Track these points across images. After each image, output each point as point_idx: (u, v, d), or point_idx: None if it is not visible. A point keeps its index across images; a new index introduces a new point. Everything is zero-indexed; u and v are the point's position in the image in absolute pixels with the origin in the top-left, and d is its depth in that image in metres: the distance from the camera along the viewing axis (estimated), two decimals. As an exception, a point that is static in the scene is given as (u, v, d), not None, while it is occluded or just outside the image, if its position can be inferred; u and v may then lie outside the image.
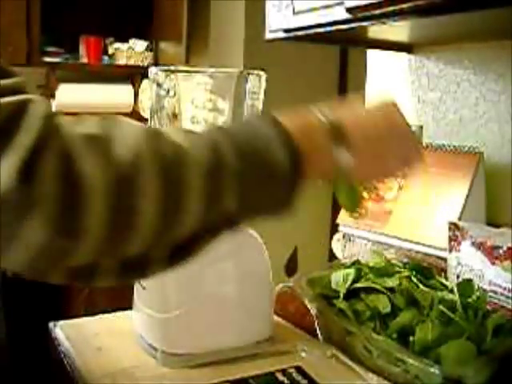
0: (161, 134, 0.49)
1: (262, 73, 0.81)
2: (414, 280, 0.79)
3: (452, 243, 0.88)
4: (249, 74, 0.81)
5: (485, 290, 0.80)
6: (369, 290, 0.80)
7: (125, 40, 2.68)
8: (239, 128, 0.53)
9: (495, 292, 0.80)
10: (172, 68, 0.83)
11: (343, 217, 1.12)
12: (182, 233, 0.49)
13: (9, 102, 0.42)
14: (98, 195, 0.42)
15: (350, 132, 0.56)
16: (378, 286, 0.79)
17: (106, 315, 0.92)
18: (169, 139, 0.48)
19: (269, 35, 1.07)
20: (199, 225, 0.49)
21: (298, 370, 0.74)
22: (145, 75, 0.87)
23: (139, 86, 2.60)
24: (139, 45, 2.71)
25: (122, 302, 0.92)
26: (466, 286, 0.79)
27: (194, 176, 0.47)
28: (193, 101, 0.80)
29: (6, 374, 0.72)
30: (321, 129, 0.55)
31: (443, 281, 0.83)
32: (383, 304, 0.76)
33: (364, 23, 0.86)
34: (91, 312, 0.94)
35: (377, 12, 0.81)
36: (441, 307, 0.73)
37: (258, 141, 0.51)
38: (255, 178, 0.50)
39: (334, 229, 1.17)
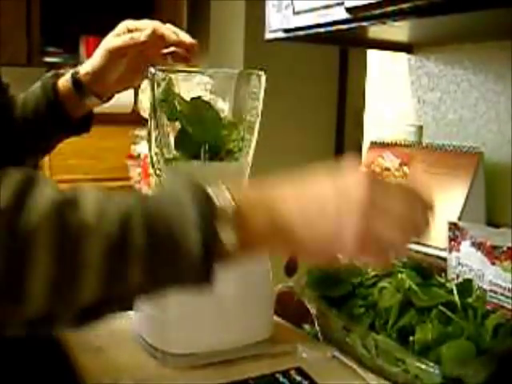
0: (74, 205, 0.47)
1: (261, 73, 0.81)
2: (414, 280, 0.79)
3: (452, 243, 0.88)
4: (249, 74, 0.81)
5: (485, 290, 0.80)
6: (369, 290, 0.80)
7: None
8: (158, 198, 0.51)
9: (495, 292, 0.80)
10: (172, 68, 0.83)
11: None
12: (80, 303, 0.48)
13: None
14: None
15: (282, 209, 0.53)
16: (378, 286, 0.79)
17: (106, 315, 0.92)
18: (80, 212, 0.47)
19: (269, 35, 1.07)
20: (101, 296, 0.48)
21: (299, 370, 0.74)
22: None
23: (139, 86, 2.60)
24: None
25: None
26: (465, 285, 0.79)
27: (94, 253, 0.46)
28: (193, 101, 0.80)
29: (6, 373, 0.72)
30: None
31: (443, 281, 0.83)
32: (383, 303, 0.76)
33: (364, 23, 0.86)
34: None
35: (377, 12, 0.81)
36: (441, 307, 0.73)
37: (173, 218, 0.49)
38: (163, 256, 0.49)
39: (334, 229, 1.17)
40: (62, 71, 0.91)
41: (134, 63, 0.88)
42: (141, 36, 0.85)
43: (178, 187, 0.51)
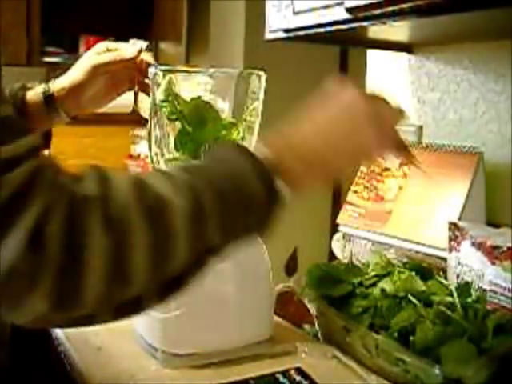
0: (145, 185, 0.51)
1: (261, 73, 0.81)
2: (414, 280, 0.79)
3: (452, 243, 0.88)
4: (249, 74, 0.81)
5: (485, 290, 0.80)
6: (368, 290, 0.80)
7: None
8: (214, 166, 0.56)
9: (495, 292, 0.80)
10: (172, 68, 0.83)
11: (343, 217, 1.12)
12: (171, 273, 0.52)
13: (19, 172, 0.44)
14: (98, 255, 0.45)
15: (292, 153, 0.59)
16: (378, 286, 0.79)
17: (106, 315, 0.92)
18: (152, 189, 0.50)
19: (269, 35, 1.07)
20: (187, 262, 0.52)
21: (299, 370, 0.74)
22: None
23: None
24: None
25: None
26: (463, 289, 0.79)
27: (179, 222, 0.50)
28: (193, 101, 0.80)
29: (5, 373, 0.72)
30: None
31: (443, 281, 0.83)
32: (383, 304, 0.76)
33: (364, 23, 0.86)
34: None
35: (377, 12, 0.81)
36: (441, 307, 0.73)
37: (235, 176, 0.54)
38: (235, 213, 0.54)
39: (334, 229, 1.17)
40: (29, 85, 0.91)
41: (110, 83, 0.92)
42: (127, 53, 0.92)
43: (222, 150, 0.58)
